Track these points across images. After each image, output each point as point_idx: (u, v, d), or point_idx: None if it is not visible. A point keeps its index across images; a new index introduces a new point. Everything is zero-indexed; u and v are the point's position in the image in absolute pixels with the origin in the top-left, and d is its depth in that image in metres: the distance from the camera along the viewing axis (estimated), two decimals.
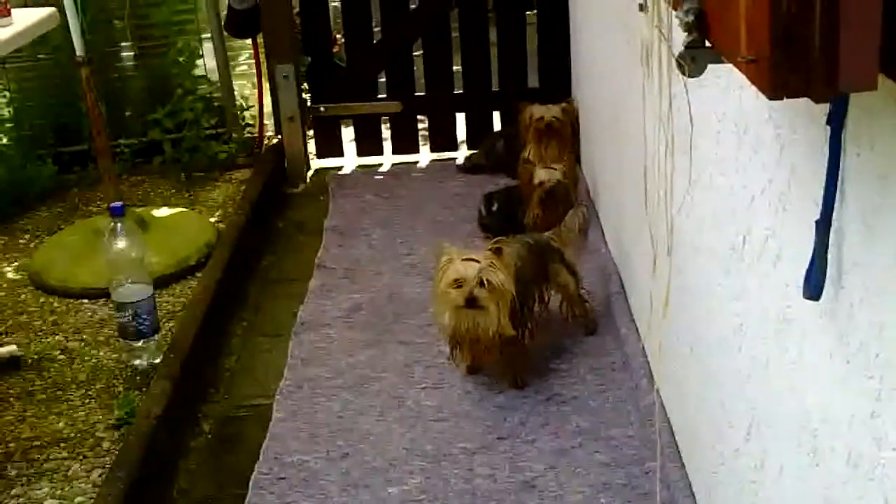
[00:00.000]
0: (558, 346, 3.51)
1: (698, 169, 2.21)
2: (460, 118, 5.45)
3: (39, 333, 3.79)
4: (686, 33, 1.41)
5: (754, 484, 2.02)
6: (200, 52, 5.43)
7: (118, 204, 3.46)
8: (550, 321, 3.54)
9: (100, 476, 2.93)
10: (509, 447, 3.02)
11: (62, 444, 3.11)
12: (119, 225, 3.42)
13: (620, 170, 3.63)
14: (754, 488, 2.02)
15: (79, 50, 3.90)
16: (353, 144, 5.49)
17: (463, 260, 3.13)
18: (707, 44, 1.40)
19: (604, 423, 3.09)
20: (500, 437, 3.07)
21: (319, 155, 5.50)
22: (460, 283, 3.09)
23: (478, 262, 3.11)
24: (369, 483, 2.90)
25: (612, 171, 3.91)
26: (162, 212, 4.67)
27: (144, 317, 3.43)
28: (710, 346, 2.37)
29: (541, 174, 4.14)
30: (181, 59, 5.36)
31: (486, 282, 3.08)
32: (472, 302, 3.08)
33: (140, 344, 3.45)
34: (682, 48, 1.42)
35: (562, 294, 3.54)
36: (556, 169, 4.15)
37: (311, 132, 5.50)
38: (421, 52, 5.34)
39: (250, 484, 2.93)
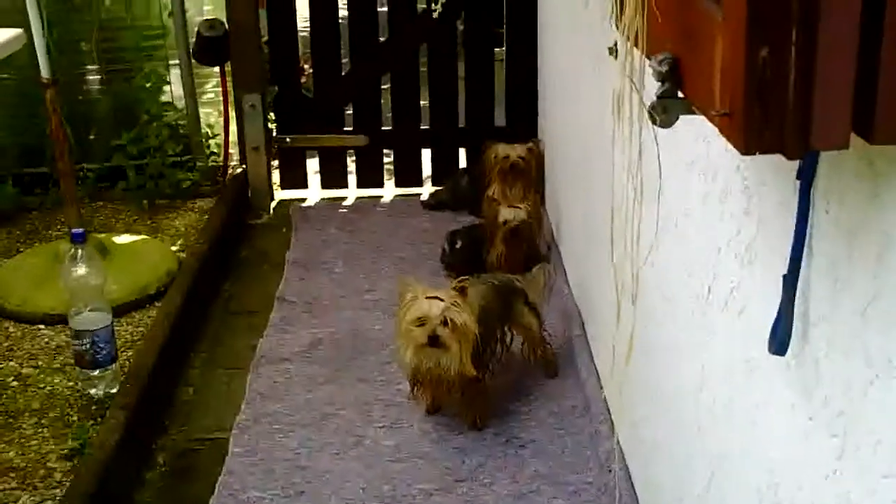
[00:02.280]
0: (519, 388, 3.49)
1: (665, 217, 2.21)
2: (426, 154, 5.44)
3: None
4: (659, 83, 1.41)
5: None
6: (167, 79, 5.40)
7: (79, 231, 3.42)
8: (511, 362, 3.52)
9: None
10: (467, 490, 2.99)
11: (12, 475, 3.04)
12: (80, 251, 3.38)
13: (585, 213, 3.63)
14: None
15: (44, 71, 3.84)
16: (318, 176, 5.48)
17: (427, 298, 3.11)
18: (680, 95, 1.40)
19: (562, 468, 3.07)
20: (457, 479, 3.04)
21: (284, 186, 5.47)
22: (423, 321, 3.08)
23: (442, 300, 3.09)
24: None
25: (577, 214, 3.91)
26: (123, 238, 4.61)
27: (102, 345, 3.38)
28: (671, 394, 2.36)
29: (505, 213, 4.14)
30: (148, 85, 5.32)
31: (449, 321, 3.06)
32: (434, 341, 3.06)
33: (97, 373, 3.40)
34: (654, 98, 1.42)
35: (524, 335, 3.53)
36: (520, 208, 4.15)
37: (275, 163, 5.48)
38: (389, 85, 5.34)
39: None
